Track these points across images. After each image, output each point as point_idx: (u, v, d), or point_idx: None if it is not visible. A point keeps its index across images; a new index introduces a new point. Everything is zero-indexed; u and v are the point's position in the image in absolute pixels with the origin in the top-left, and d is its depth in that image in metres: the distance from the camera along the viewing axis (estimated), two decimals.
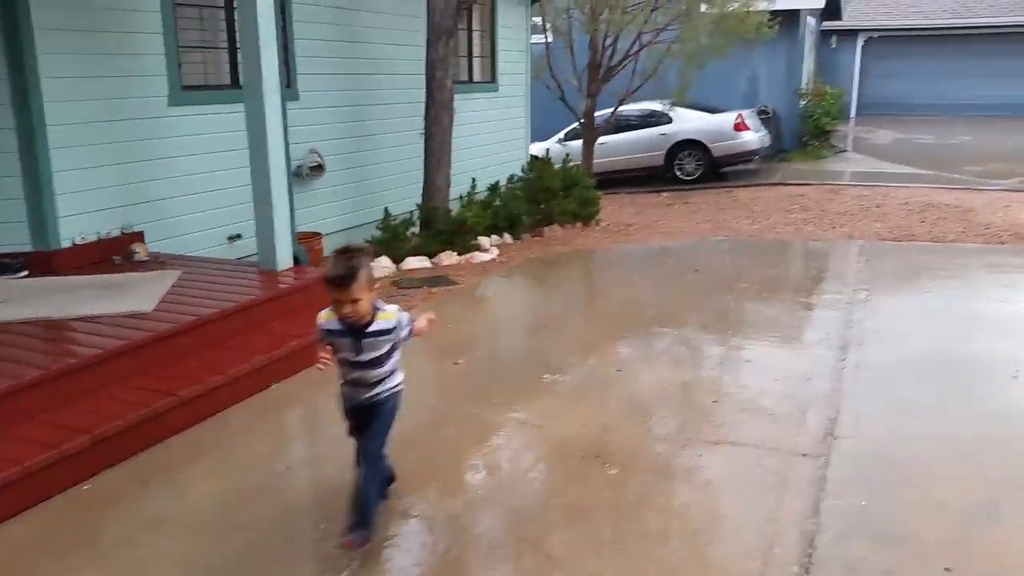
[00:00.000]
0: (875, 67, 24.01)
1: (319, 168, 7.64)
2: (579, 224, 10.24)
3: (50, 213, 5.41)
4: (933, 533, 3.07)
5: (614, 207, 12.39)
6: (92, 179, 5.65)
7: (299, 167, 7.37)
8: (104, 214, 5.77)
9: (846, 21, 22.93)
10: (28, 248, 5.45)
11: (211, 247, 6.51)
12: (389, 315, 2.99)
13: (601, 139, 13.27)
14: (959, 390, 4.36)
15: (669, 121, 14.64)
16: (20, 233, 5.41)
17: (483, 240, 8.44)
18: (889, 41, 23.67)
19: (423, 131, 8.05)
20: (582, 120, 12.40)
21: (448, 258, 7.89)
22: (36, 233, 5.44)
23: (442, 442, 3.94)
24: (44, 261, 5.45)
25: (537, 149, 12.69)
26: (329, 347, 3.02)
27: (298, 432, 4.45)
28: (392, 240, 7.72)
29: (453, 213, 8.28)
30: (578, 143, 12.71)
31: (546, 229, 9.63)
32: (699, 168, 14.73)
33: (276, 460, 3.84)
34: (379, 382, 3.05)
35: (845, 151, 17.51)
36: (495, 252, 8.26)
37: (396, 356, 3.09)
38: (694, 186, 14.38)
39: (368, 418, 3.07)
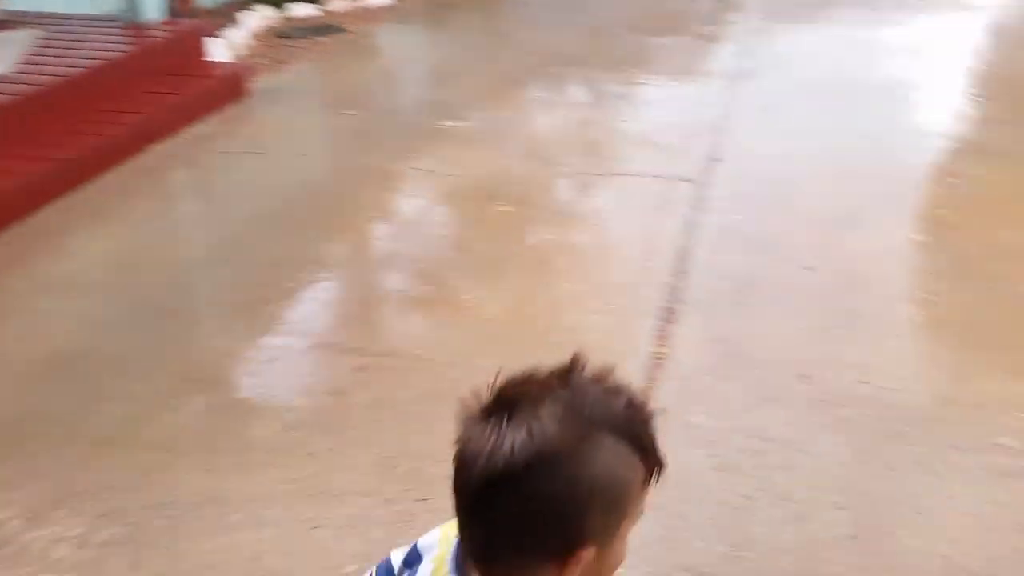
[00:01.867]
0: None
1: None
2: None
3: None
4: (800, 239, 3.34)
5: None
6: None
7: None
8: None
9: None
10: None
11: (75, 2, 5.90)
12: None
13: None
14: (844, 113, 4.52)
15: None
16: None
17: None
18: None
19: None
20: None
21: (338, 2, 7.38)
22: None
23: (342, 194, 3.93)
24: None
25: None
26: None
27: (179, 192, 4.34)
28: None
29: None
30: None
31: None
32: None
33: (160, 219, 3.79)
34: None
35: None
36: None
37: None
38: None
39: None
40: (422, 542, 0.98)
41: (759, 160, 4.02)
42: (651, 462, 0.83)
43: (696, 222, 3.46)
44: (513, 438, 0.76)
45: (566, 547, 0.79)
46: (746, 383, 2.53)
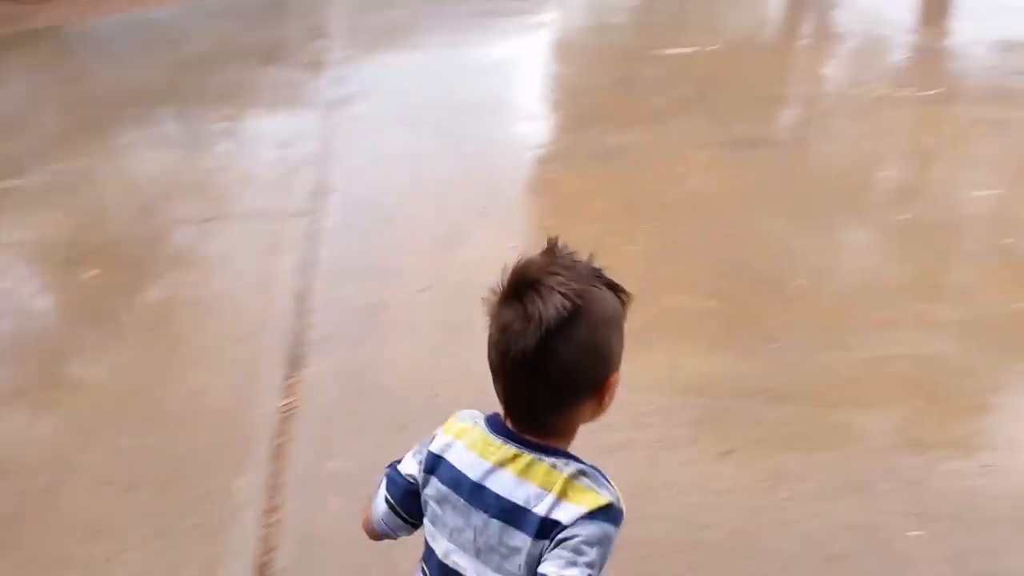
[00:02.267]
0: None
1: None
2: None
3: None
4: (413, 261, 3.43)
5: None
6: None
7: None
8: None
9: None
10: None
11: None
12: None
13: None
14: (434, 131, 4.73)
15: None
16: None
17: None
18: None
19: None
20: None
21: None
22: None
23: None
24: None
25: None
26: None
27: None
28: None
29: None
30: None
31: None
32: None
33: None
34: None
35: None
36: None
37: None
38: None
39: None
40: (434, 448, 1.12)
41: (366, 187, 4.07)
42: (622, 297, 1.06)
43: (311, 258, 3.40)
44: (546, 305, 0.96)
45: (602, 377, 1.03)
46: (379, 416, 2.53)
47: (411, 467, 1.15)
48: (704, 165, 4.18)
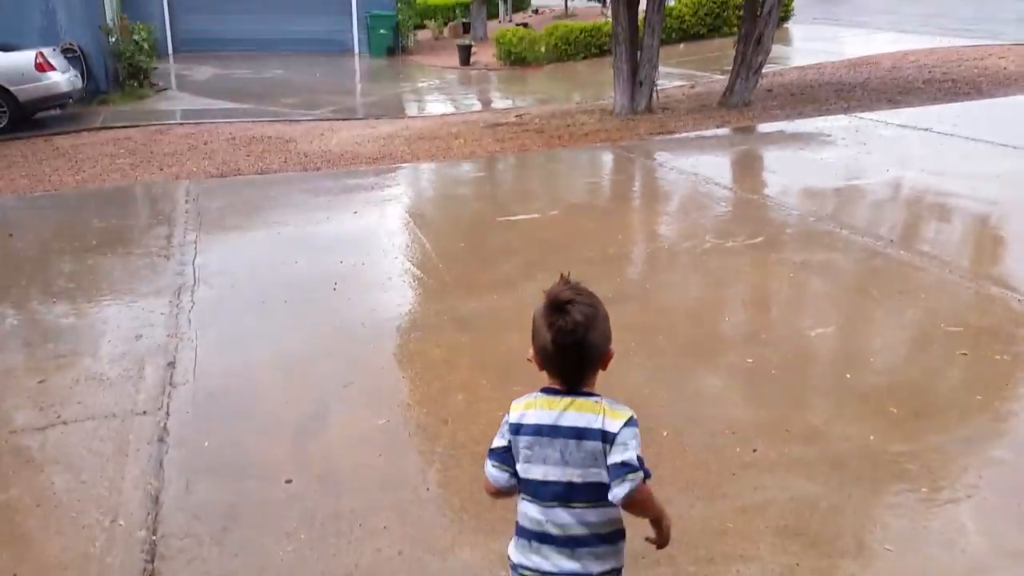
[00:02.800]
0: (184, 3, 23.81)
1: None
2: None
3: None
4: (273, 453, 3.24)
5: None
6: None
7: None
8: None
9: None
10: None
11: None
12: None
13: None
14: (288, 310, 4.66)
15: None
16: None
17: None
18: None
19: None
20: None
21: None
22: None
23: None
24: None
25: None
26: None
27: None
28: None
29: None
30: None
31: None
32: (4, 115, 12.73)
33: None
34: None
35: (168, 89, 17.12)
36: None
37: None
38: (3, 136, 12.41)
39: None
40: (512, 421, 1.80)
41: (218, 376, 3.89)
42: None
43: (161, 459, 3.16)
44: (578, 314, 1.70)
45: (606, 352, 1.77)
46: None
47: (501, 442, 1.82)
48: None
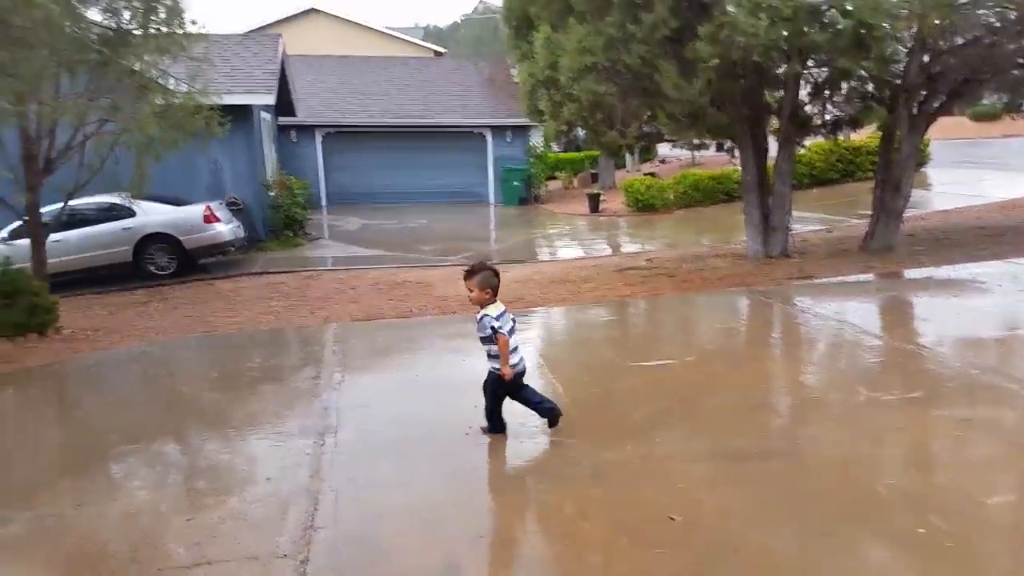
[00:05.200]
0: (338, 160, 26.00)
1: None
2: (33, 335, 8.84)
3: None
4: None
5: (79, 311, 11.05)
6: None
7: None
8: None
9: (302, 118, 24.37)
10: None
11: None
12: (487, 311, 4.65)
13: (56, 236, 11.78)
14: (423, 455, 4.68)
15: (133, 214, 13.71)
16: None
17: None
18: (345, 136, 25.87)
19: None
20: (25, 217, 10.83)
21: None
22: None
23: None
24: None
25: None
26: None
27: None
28: None
29: None
30: (28, 242, 11.06)
31: None
32: (173, 262, 14.03)
33: None
34: (488, 357, 4.80)
35: (320, 238, 18.43)
36: None
37: (493, 347, 4.69)
38: (172, 280, 13.63)
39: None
40: (501, 318, 4.65)
41: (356, 522, 3.90)
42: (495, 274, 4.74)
43: None
44: (475, 273, 4.66)
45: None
46: None
47: (508, 326, 4.65)
48: (701, 481, 4.11)
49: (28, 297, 8.92)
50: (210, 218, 14.17)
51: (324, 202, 25.41)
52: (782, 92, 11.04)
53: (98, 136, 9.91)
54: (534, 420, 4.99)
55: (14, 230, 12.52)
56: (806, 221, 15.48)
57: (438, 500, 4.10)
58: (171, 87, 10.59)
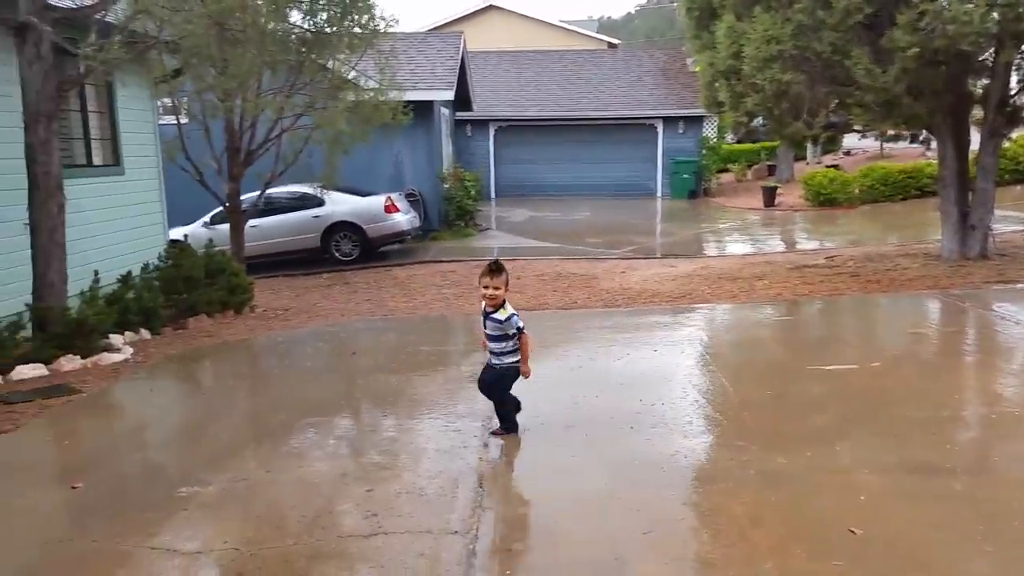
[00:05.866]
0: (508, 153, 26.52)
1: None
2: (230, 312, 9.66)
3: None
4: None
5: (271, 292, 11.95)
6: None
7: None
8: None
9: (477, 112, 25.02)
10: None
11: None
12: (510, 311, 4.72)
13: (252, 222, 12.82)
14: (588, 445, 4.70)
15: (322, 204, 14.63)
16: None
17: (115, 339, 7.56)
18: (515, 130, 26.33)
19: (27, 222, 7.06)
20: (227, 204, 11.86)
21: (70, 363, 6.91)
22: None
23: None
24: None
25: (177, 234, 11.88)
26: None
27: None
28: None
29: (73, 311, 7.30)
30: (227, 227, 12.12)
31: (192, 320, 8.92)
32: (356, 249, 14.86)
33: None
34: (497, 355, 4.82)
35: (489, 229, 18.90)
36: (129, 351, 7.42)
37: (506, 345, 4.78)
38: (353, 266, 14.45)
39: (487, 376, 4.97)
40: (518, 316, 4.80)
41: (522, 505, 4.00)
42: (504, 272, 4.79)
43: None
44: (502, 271, 4.70)
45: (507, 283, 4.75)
46: None
47: (521, 322, 4.78)
48: (884, 493, 3.87)
49: (228, 277, 9.74)
50: (390, 208, 14.89)
51: (493, 194, 26.02)
52: (988, 80, 10.12)
53: (292, 130, 10.65)
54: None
55: (215, 215, 13.72)
56: (1008, 220, 14.12)
57: (602, 490, 4.10)
58: (360, 84, 11.21)
